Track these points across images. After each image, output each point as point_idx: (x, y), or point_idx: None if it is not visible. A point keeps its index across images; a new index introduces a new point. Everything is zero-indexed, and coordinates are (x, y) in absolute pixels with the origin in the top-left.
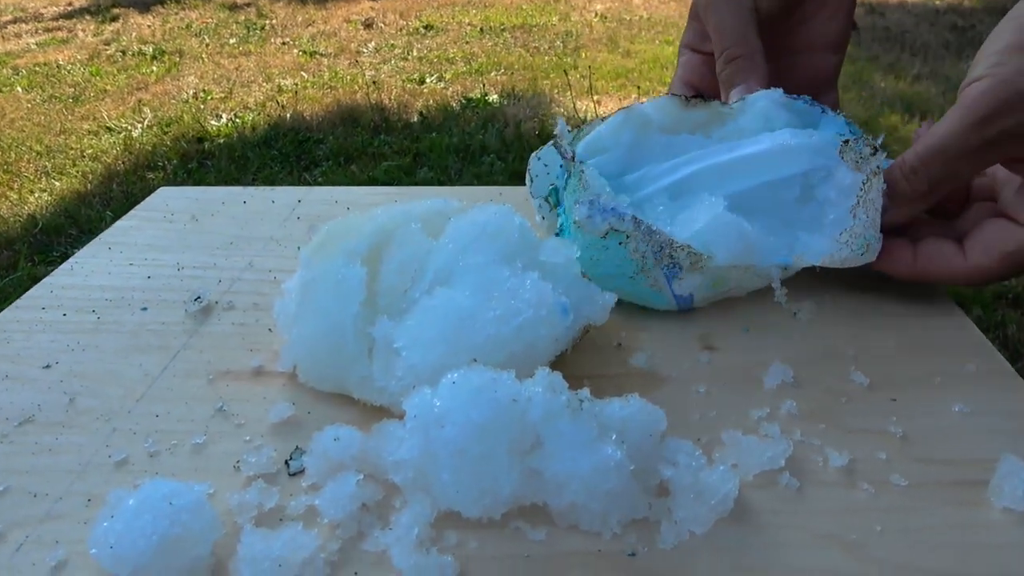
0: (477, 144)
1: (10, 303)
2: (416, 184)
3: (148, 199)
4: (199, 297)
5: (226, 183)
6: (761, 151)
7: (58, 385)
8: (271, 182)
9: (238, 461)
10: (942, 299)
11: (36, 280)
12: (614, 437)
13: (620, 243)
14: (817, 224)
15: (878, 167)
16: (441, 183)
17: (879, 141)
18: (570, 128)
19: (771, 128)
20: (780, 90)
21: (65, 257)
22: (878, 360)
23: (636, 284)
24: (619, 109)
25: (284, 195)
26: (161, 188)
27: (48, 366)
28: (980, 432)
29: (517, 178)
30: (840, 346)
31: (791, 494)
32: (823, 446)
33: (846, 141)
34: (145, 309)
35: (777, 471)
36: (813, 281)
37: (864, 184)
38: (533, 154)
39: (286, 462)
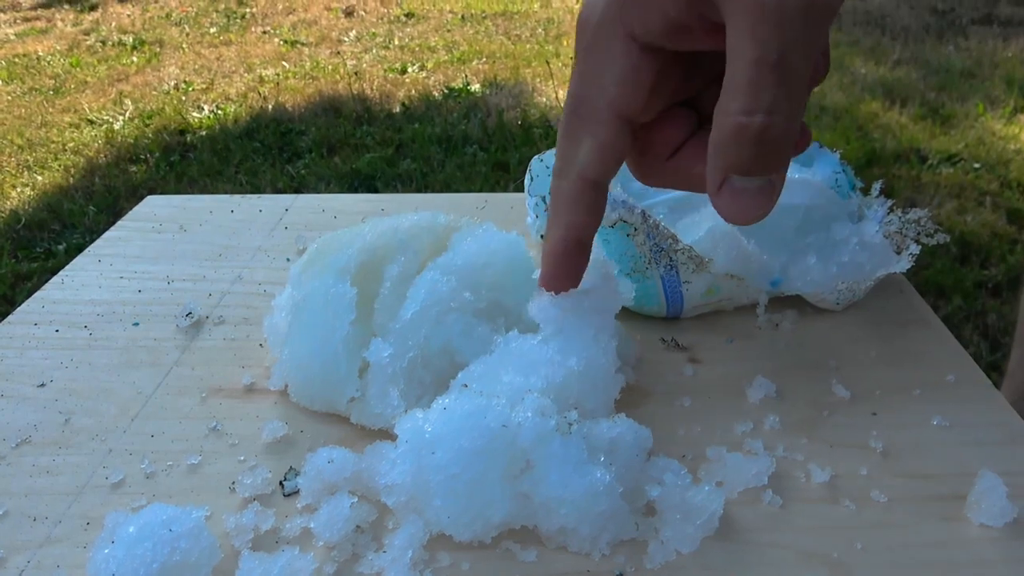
0: (459, 134)
1: None
2: (399, 175)
3: (136, 208)
4: (190, 313)
5: (209, 176)
6: None
7: (53, 404)
8: (254, 174)
9: (233, 482)
10: (921, 308)
11: (20, 277)
12: (603, 459)
13: (628, 235)
14: (820, 256)
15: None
16: (424, 174)
17: (877, 191)
18: None
19: None
20: None
21: (49, 253)
22: (859, 371)
23: (631, 282)
24: None
25: (271, 203)
26: (148, 197)
27: (43, 384)
28: (958, 446)
29: (500, 168)
30: (822, 357)
31: (775, 511)
32: (806, 462)
33: (903, 223)
34: (136, 324)
35: (761, 488)
36: None
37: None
38: (536, 156)
39: (281, 483)
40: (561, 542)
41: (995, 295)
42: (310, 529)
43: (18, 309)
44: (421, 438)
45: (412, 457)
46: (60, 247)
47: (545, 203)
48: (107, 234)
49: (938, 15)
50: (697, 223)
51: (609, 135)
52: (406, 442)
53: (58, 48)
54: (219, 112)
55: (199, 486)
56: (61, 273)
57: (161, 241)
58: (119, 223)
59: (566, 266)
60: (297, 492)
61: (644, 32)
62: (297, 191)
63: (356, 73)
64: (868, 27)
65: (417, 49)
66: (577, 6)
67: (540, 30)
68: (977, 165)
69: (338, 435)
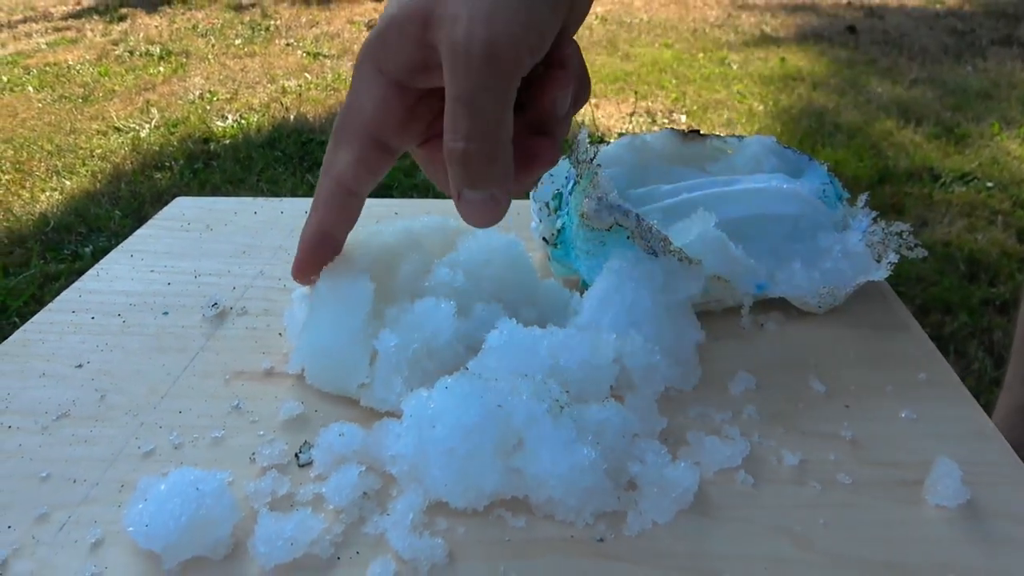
0: None
1: (24, 300)
2: (415, 185)
3: (165, 209)
4: (216, 303)
5: (231, 184)
6: (759, 188)
7: (90, 383)
8: (275, 183)
9: (253, 453)
10: (901, 314)
11: (48, 277)
12: (591, 438)
13: (627, 237)
14: (805, 262)
15: (890, 264)
16: None
17: (863, 202)
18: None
19: (760, 170)
20: (772, 137)
21: (76, 255)
22: (836, 369)
23: None
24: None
25: (292, 205)
26: (177, 198)
27: (80, 365)
28: (921, 437)
29: None
30: (802, 355)
31: (747, 489)
32: (778, 447)
33: (886, 234)
34: (166, 313)
35: (735, 469)
36: None
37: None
38: None
39: (296, 455)
40: (549, 511)
41: (1002, 312)
42: (322, 494)
43: (57, 298)
44: (424, 413)
45: (415, 430)
46: (87, 250)
47: (548, 209)
48: (138, 232)
49: (957, 35)
50: (688, 228)
51: (363, 151)
52: (410, 416)
53: (87, 57)
54: (242, 122)
55: (222, 456)
56: (96, 267)
57: (189, 239)
58: (150, 222)
59: (314, 256)
60: (311, 463)
61: (389, 70)
62: None
63: None
64: (885, 47)
65: None
66: (595, 22)
67: None
68: (990, 184)
69: (349, 414)
